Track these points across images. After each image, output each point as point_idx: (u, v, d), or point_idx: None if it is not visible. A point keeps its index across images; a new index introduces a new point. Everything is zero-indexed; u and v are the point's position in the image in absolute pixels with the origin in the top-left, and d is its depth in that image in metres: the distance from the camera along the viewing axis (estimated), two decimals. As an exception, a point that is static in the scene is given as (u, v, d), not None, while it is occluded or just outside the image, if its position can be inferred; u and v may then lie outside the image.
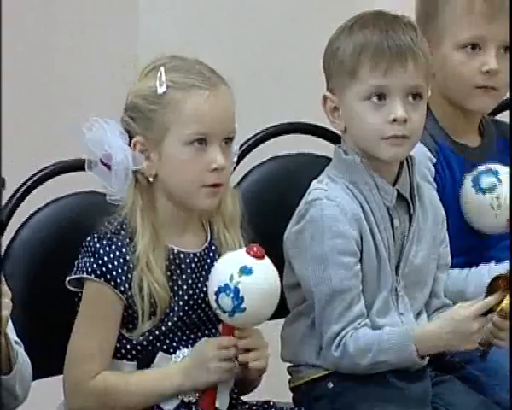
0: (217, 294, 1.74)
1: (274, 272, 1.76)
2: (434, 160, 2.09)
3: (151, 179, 1.80)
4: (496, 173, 2.06)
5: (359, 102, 1.93)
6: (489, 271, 2.00)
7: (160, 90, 1.80)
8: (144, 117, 1.82)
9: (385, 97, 1.93)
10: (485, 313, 1.89)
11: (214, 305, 1.75)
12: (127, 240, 1.81)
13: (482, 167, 2.06)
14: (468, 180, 2.06)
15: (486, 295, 1.87)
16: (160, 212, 1.84)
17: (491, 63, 2.14)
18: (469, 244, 2.10)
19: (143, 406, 1.83)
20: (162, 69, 1.81)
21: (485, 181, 2.05)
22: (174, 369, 1.82)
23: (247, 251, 1.77)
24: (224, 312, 1.74)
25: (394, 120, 1.90)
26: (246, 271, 1.75)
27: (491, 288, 1.87)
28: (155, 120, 1.81)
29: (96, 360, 1.80)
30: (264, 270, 1.77)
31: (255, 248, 1.77)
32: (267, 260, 1.75)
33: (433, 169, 2.09)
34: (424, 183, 2.04)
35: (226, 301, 1.74)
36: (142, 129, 1.82)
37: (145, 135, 1.81)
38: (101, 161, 1.82)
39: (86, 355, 1.81)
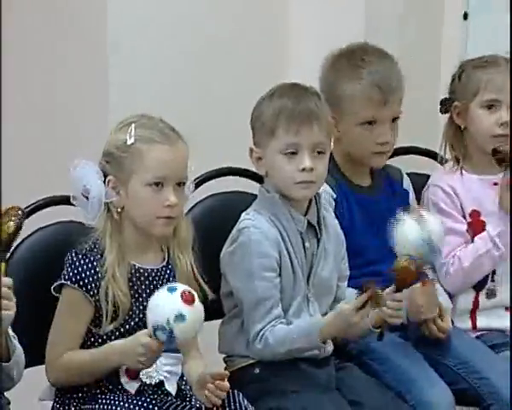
0: (154, 329, 1.85)
1: (201, 312, 1.86)
2: (335, 196, 2.27)
3: (119, 210, 1.98)
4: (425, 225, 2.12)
5: (277, 155, 2.12)
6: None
7: (129, 142, 1.98)
8: (116, 162, 1.99)
9: (296, 152, 2.11)
10: (362, 307, 2.04)
11: (151, 333, 1.85)
12: (98, 256, 1.97)
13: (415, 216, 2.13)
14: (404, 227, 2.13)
15: (360, 295, 2.05)
16: (125, 235, 2.00)
17: (385, 137, 2.32)
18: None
19: (96, 375, 1.98)
20: (133, 125, 1.99)
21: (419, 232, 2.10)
22: (118, 347, 1.95)
23: (181, 296, 1.85)
24: (156, 338, 1.85)
25: (303, 170, 2.10)
26: (180, 318, 1.85)
27: (363, 289, 2.04)
28: (124, 165, 1.98)
29: (64, 345, 1.98)
30: (193, 315, 1.87)
31: (187, 294, 1.86)
32: (197, 302, 1.86)
33: (333, 203, 2.24)
34: (328, 213, 2.23)
35: (161, 336, 1.85)
36: (114, 170, 1.99)
37: (116, 175, 1.98)
38: (82, 194, 1.98)
39: (58, 341, 1.99)
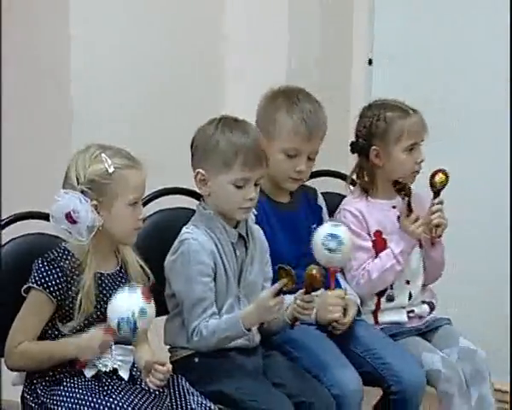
0: (119, 322, 1.97)
1: (154, 307, 2.00)
2: (255, 212, 2.39)
3: (100, 229, 2.08)
4: (338, 237, 2.28)
5: (228, 185, 2.25)
6: None
7: (111, 170, 2.09)
8: (99, 188, 2.08)
9: (245, 184, 2.25)
10: (278, 294, 2.17)
11: (114, 325, 1.98)
12: (67, 263, 2.08)
13: (328, 230, 2.29)
14: (318, 237, 2.29)
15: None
16: (96, 248, 2.10)
17: (302, 167, 2.45)
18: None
19: (51, 364, 2.09)
20: (104, 155, 2.09)
21: (332, 243, 2.29)
22: (74, 342, 2.06)
23: (142, 295, 1.98)
24: (119, 331, 1.98)
25: (251, 200, 2.27)
26: (143, 312, 1.98)
27: (278, 275, 2.19)
28: (107, 190, 2.08)
29: (23, 336, 2.09)
30: (151, 310, 2.00)
31: (146, 292, 2.00)
32: (152, 300, 2.00)
33: (254, 218, 2.38)
34: (254, 226, 2.38)
35: (125, 329, 1.98)
36: (96, 195, 2.08)
37: (98, 199, 2.08)
38: (67, 217, 2.05)
39: (18, 332, 2.11)
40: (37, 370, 2.11)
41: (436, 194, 2.53)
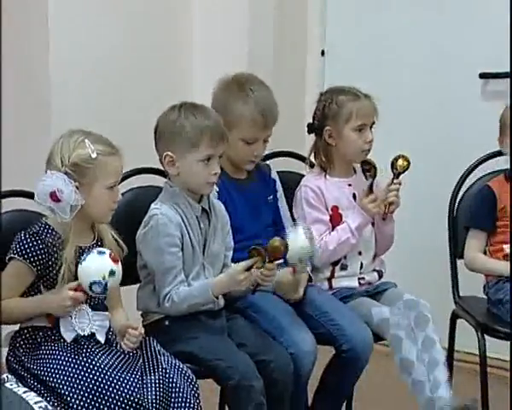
0: (91, 283, 2.06)
1: (121, 268, 2.08)
2: (217, 188, 2.46)
3: (79, 208, 2.15)
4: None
5: (197, 163, 2.33)
6: None
7: (93, 156, 2.16)
8: (81, 171, 2.15)
9: (209, 159, 2.33)
10: (249, 269, 2.26)
11: (86, 287, 2.06)
12: (48, 236, 2.13)
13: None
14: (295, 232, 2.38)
15: (248, 258, 2.28)
16: (75, 225, 2.17)
17: (259, 151, 2.56)
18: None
19: (25, 318, 2.15)
20: (87, 141, 2.15)
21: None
22: (48, 300, 2.13)
23: (110, 257, 2.06)
24: (91, 291, 2.06)
25: (215, 174, 2.35)
26: (112, 273, 2.07)
27: (250, 255, 2.27)
28: (89, 174, 2.15)
29: (3, 296, 2.13)
30: (119, 270, 2.09)
31: (113, 255, 2.08)
32: (119, 262, 2.09)
33: (216, 194, 2.46)
34: (216, 200, 2.46)
35: (96, 289, 2.07)
36: (78, 177, 2.15)
37: (80, 181, 2.15)
38: (51, 196, 2.11)
39: None
40: (18, 323, 2.16)
41: (396, 176, 2.64)
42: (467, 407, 2.49)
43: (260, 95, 2.53)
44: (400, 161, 2.63)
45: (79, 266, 2.10)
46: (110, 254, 2.10)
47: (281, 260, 2.34)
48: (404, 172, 2.64)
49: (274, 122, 2.56)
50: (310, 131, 2.71)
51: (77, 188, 2.13)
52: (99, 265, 2.08)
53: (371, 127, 2.65)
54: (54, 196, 2.12)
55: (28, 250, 2.16)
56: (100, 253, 2.10)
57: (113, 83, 3.17)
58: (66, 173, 2.14)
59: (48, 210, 2.15)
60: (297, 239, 2.36)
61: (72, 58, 3.07)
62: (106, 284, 2.06)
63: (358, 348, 2.45)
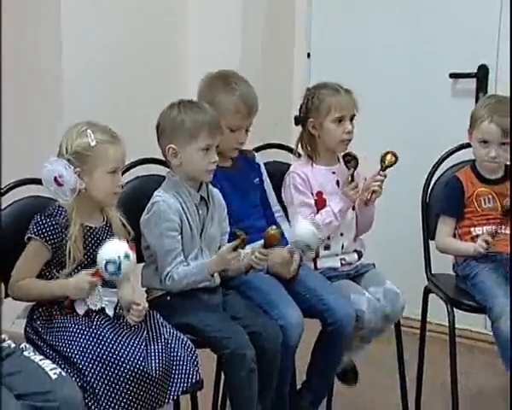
0: (107, 261, 2.12)
1: (135, 257, 2.16)
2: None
3: (82, 191, 2.24)
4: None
5: (197, 153, 2.42)
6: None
7: (93, 144, 2.24)
8: (82, 158, 2.24)
9: (209, 149, 2.42)
10: (235, 249, 2.32)
11: (102, 266, 2.13)
12: (61, 218, 2.22)
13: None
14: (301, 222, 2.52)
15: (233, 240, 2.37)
16: (81, 206, 2.26)
17: (242, 139, 2.63)
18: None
19: (46, 298, 2.23)
20: (89, 131, 2.24)
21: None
22: (68, 283, 2.20)
23: (127, 244, 2.15)
24: (106, 271, 2.13)
25: (214, 162, 2.44)
26: (127, 256, 2.14)
27: (234, 237, 2.34)
28: (89, 160, 2.24)
29: (24, 274, 2.24)
30: (133, 258, 2.16)
31: (131, 244, 2.18)
32: (134, 252, 2.16)
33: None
34: (214, 189, 2.54)
35: (111, 268, 2.13)
36: (80, 164, 2.24)
37: (81, 167, 2.24)
38: (55, 181, 2.21)
39: (20, 271, 2.26)
40: (37, 302, 2.25)
41: (383, 169, 2.75)
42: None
43: (243, 87, 2.63)
44: (389, 157, 2.74)
45: (99, 249, 2.17)
46: (128, 243, 2.20)
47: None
48: (391, 166, 2.75)
49: (256, 111, 2.66)
50: (296, 123, 2.83)
51: (79, 173, 2.21)
52: (116, 246, 2.16)
53: (352, 119, 2.75)
54: (56, 181, 2.20)
55: (44, 230, 2.24)
56: (119, 239, 2.21)
57: (117, 82, 3.28)
58: (68, 160, 2.21)
59: (53, 193, 2.23)
60: (306, 227, 2.47)
61: (83, 57, 3.17)
62: (120, 265, 2.12)
63: (342, 321, 2.53)
